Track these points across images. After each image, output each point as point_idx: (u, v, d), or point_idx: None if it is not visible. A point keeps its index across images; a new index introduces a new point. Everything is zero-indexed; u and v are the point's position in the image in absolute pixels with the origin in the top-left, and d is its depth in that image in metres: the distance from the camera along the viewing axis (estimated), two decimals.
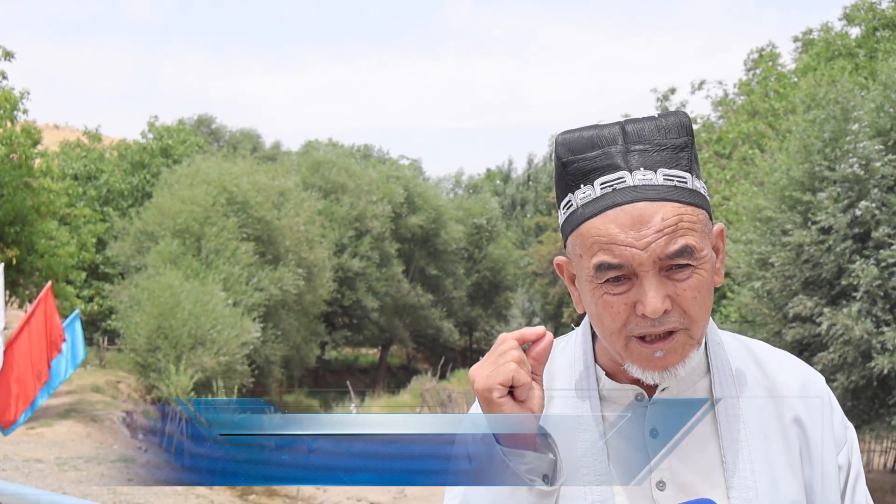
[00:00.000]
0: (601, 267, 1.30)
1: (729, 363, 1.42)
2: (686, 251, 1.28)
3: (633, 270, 1.29)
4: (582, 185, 1.33)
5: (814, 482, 1.35)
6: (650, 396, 1.38)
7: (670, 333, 1.31)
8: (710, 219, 1.37)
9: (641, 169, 1.30)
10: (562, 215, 1.38)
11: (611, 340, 1.34)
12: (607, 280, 1.30)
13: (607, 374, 1.41)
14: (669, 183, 1.30)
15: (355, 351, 46.53)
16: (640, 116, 1.36)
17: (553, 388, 1.42)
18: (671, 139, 1.32)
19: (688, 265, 1.29)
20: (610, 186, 1.30)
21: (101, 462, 14.23)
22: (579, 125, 1.37)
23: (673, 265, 1.29)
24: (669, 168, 1.31)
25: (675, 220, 1.28)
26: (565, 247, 1.39)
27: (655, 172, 1.30)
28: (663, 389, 1.37)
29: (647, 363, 1.32)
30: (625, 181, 1.30)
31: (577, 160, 1.33)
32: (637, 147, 1.32)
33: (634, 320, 1.30)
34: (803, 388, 1.41)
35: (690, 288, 1.30)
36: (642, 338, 1.31)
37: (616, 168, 1.31)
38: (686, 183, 1.31)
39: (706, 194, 1.36)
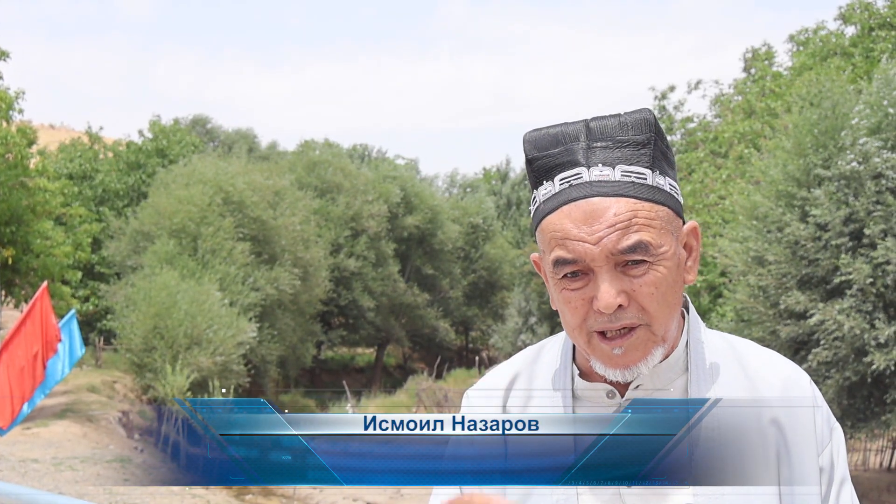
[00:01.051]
0: (557, 262, 1.31)
1: (707, 363, 1.40)
2: (640, 247, 1.28)
3: (588, 266, 1.29)
4: (544, 182, 1.34)
5: (792, 481, 1.32)
6: (622, 395, 1.38)
7: (630, 330, 1.31)
8: (680, 216, 1.37)
9: (599, 165, 1.31)
10: (531, 212, 1.39)
11: (574, 336, 1.35)
12: (565, 276, 1.32)
13: (581, 373, 1.42)
14: (626, 179, 1.30)
15: (351, 350, 46.51)
16: (606, 114, 1.36)
17: (532, 388, 1.44)
18: (632, 136, 1.32)
19: (643, 261, 1.29)
20: (567, 182, 1.32)
21: (98, 462, 14.22)
22: (546, 124, 1.39)
23: (628, 261, 1.29)
24: (629, 164, 1.31)
25: (629, 216, 1.29)
26: (536, 243, 1.41)
27: (613, 168, 1.31)
28: (636, 387, 1.37)
29: (609, 360, 1.32)
30: (581, 177, 1.31)
31: (541, 157, 1.35)
32: (598, 144, 1.32)
33: (593, 316, 1.31)
34: (784, 387, 1.39)
35: (647, 284, 1.30)
36: (603, 334, 1.32)
37: (575, 164, 1.32)
38: (645, 179, 1.31)
39: (673, 192, 1.35)
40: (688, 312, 1.45)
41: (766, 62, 26.56)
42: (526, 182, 53.78)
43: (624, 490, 1.33)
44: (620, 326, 1.30)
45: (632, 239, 1.28)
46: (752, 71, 27.04)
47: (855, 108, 13.20)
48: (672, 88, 28.52)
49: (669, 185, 1.35)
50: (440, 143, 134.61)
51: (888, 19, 22.30)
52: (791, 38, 26.47)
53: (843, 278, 12.31)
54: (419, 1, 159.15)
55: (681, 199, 1.39)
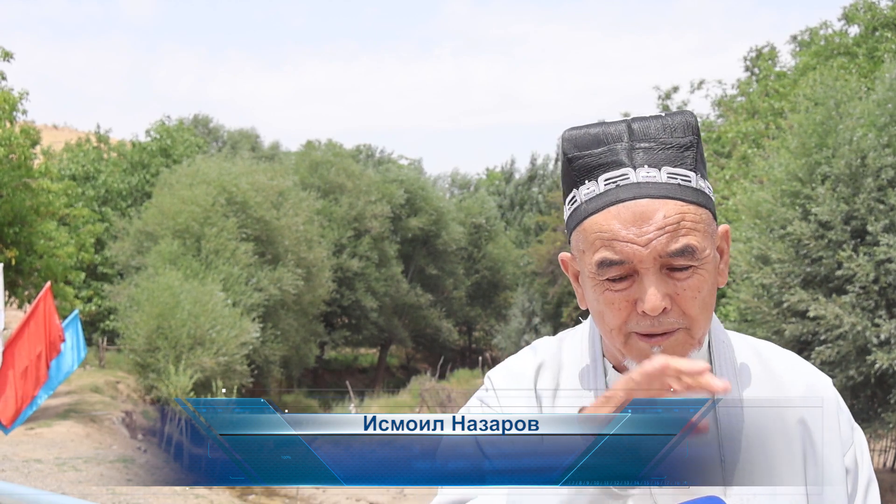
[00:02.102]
0: (603, 263, 1.29)
1: (733, 363, 1.41)
2: (688, 251, 1.28)
3: (634, 267, 1.28)
4: (586, 182, 1.33)
5: (817, 481, 1.34)
6: None
7: (670, 332, 1.30)
8: (715, 219, 1.36)
9: (646, 166, 1.30)
10: (567, 211, 1.37)
11: (611, 337, 1.34)
12: (609, 277, 1.30)
13: (614, 368, 1.41)
14: (673, 181, 1.30)
15: (354, 351, 46.51)
16: (647, 115, 1.36)
17: (559, 379, 1.43)
18: (676, 138, 1.32)
19: (689, 265, 1.29)
20: (613, 183, 1.30)
21: (101, 462, 14.23)
22: (586, 122, 1.37)
23: (674, 264, 1.28)
24: (674, 166, 1.31)
25: (678, 219, 1.28)
26: (569, 243, 1.39)
27: (660, 170, 1.30)
28: None
29: (646, 359, 1.31)
30: (628, 178, 1.30)
31: (582, 156, 1.33)
32: (642, 145, 1.31)
33: (635, 318, 1.30)
34: (809, 389, 1.40)
35: (691, 288, 1.29)
36: (643, 333, 1.31)
37: (620, 165, 1.31)
38: (690, 182, 1.31)
39: (711, 195, 1.35)
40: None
41: (770, 62, 26.54)
42: (534, 181, 53.74)
43: (655, 490, 1.33)
44: (663, 331, 1.30)
45: (680, 242, 1.27)
46: (756, 71, 27.03)
47: (859, 107, 13.20)
48: (675, 89, 28.54)
49: (707, 187, 1.35)
50: (443, 142, 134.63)
51: (892, 19, 22.27)
52: (794, 38, 26.46)
53: (843, 273, 12.32)
54: (421, 1, 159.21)
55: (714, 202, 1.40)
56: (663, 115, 1.35)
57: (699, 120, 27.24)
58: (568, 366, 1.45)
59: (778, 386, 1.40)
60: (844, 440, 1.38)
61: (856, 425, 1.41)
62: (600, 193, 1.31)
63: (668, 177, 1.30)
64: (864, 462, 1.39)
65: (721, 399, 1.31)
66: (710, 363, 1.40)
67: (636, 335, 1.31)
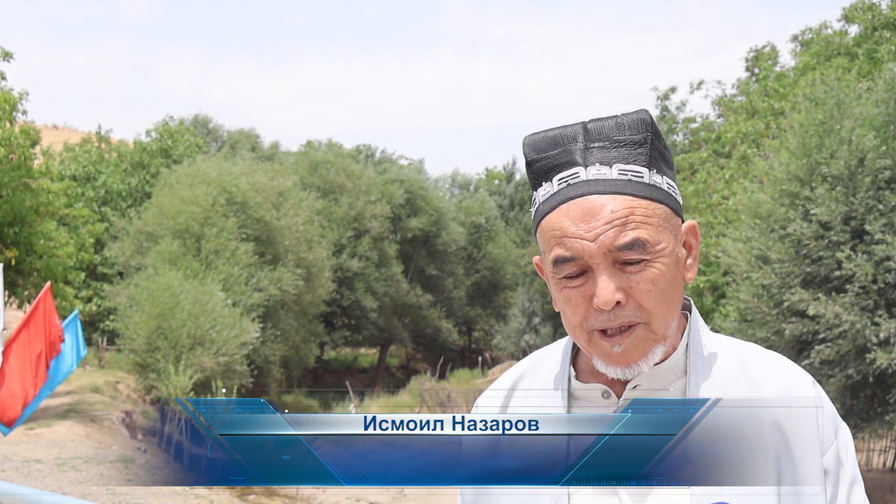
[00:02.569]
0: (557, 261, 1.32)
1: (707, 365, 1.40)
2: (637, 244, 1.29)
3: (587, 263, 1.30)
4: (543, 183, 1.36)
5: (794, 481, 1.31)
6: (619, 396, 1.38)
7: (630, 327, 1.32)
8: (679, 215, 1.38)
9: (597, 164, 1.33)
10: (531, 213, 1.41)
11: (575, 335, 1.36)
12: (565, 274, 1.33)
13: (578, 374, 1.43)
14: (623, 177, 1.32)
15: (354, 351, 46.50)
16: (604, 116, 1.38)
17: (532, 388, 1.46)
18: (629, 135, 1.34)
19: (640, 259, 1.30)
20: (565, 182, 1.33)
21: (101, 462, 14.22)
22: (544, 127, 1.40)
23: (626, 259, 1.30)
24: (626, 163, 1.33)
25: (626, 213, 1.30)
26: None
27: (611, 167, 1.32)
28: (634, 387, 1.37)
29: (609, 358, 1.33)
30: (578, 176, 1.33)
31: (540, 159, 1.36)
32: (596, 144, 1.34)
33: (593, 314, 1.32)
34: (785, 388, 1.38)
35: (644, 281, 1.31)
36: (604, 332, 1.33)
37: (573, 164, 1.33)
38: (642, 177, 1.32)
39: (671, 191, 1.36)
40: (690, 314, 1.45)
41: (770, 62, 26.54)
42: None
43: (620, 490, 1.33)
44: (619, 324, 1.31)
45: (629, 236, 1.29)
46: (756, 71, 27.03)
47: (858, 107, 13.21)
48: (673, 89, 28.53)
49: (667, 183, 1.36)
50: (443, 142, 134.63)
51: (892, 20, 22.27)
52: (794, 38, 26.46)
53: (843, 272, 12.33)
54: (422, 1, 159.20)
55: (679, 198, 1.40)
56: (619, 114, 1.37)
57: (700, 120, 27.22)
58: (545, 375, 1.47)
59: (752, 386, 1.39)
60: (824, 440, 1.36)
61: (841, 424, 1.39)
62: (553, 193, 1.34)
63: (619, 173, 1.32)
64: (848, 461, 1.37)
65: (721, 399, 1.30)
66: (686, 365, 1.40)
67: (597, 333, 1.33)
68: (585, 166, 1.32)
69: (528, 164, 1.38)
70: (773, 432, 1.30)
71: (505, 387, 1.51)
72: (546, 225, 1.34)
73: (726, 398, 1.29)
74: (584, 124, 1.36)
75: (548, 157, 1.36)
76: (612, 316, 1.31)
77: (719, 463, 1.23)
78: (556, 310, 1.42)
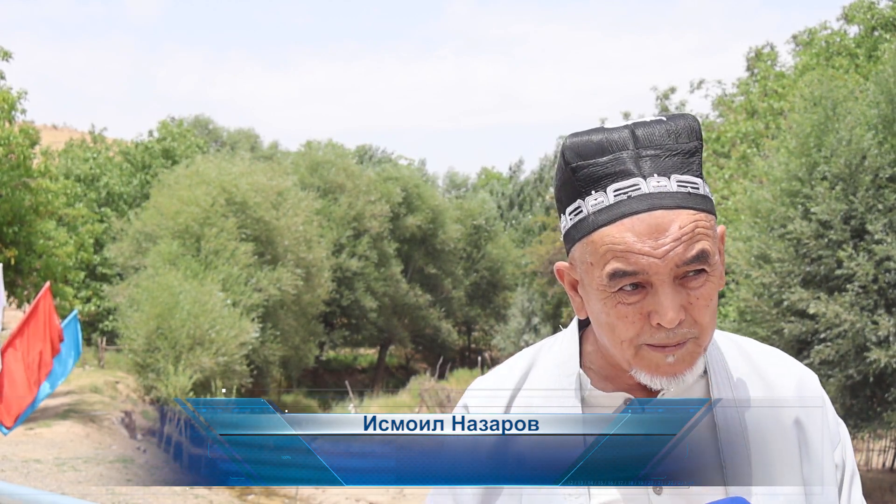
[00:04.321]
0: (615, 275, 1.27)
1: (725, 365, 1.41)
2: (702, 256, 1.27)
3: (649, 279, 1.27)
4: (593, 192, 1.30)
5: (813, 481, 1.34)
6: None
7: (681, 343, 1.30)
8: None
9: (655, 175, 1.28)
10: (568, 221, 1.34)
11: (620, 348, 1.32)
12: (621, 289, 1.28)
13: (592, 382, 1.39)
14: (683, 190, 1.28)
15: (354, 351, 46.52)
16: (648, 119, 1.33)
17: (535, 389, 1.42)
18: (682, 144, 1.30)
19: (702, 271, 1.28)
20: (624, 194, 1.28)
21: (100, 462, 14.22)
22: (585, 128, 1.35)
23: (688, 272, 1.27)
24: (682, 174, 1.29)
25: (692, 228, 1.27)
26: (568, 252, 1.37)
27: (669, 179, 1.28)
28: (661, 395, 1.37)
29: (657, 369, 1.30)
30: (640, 188, 1.28)
31: (586, 165, 1.30)
32: (648, 152, 1.29)
33: (648, 330, 1.29)
34: (799, 387, 1.41)
35: (703, 297, 1.28)
36: (656, 345, 1.30)
37: (629, 174, 1.28)
38: (699, 189, 1.30)
39: (713, 198, 1.35)
40: None
41: (769, 62, 26.55)
42: (540, 182, 53.68)
43: (654, 497, 1.33)
44: (678, 342, 1.29)
45: (695, 249, 1.26)
46: (755, 71, 27.03)
47: (856, 107, 13.22)
48: (673, 89, 28.54)
49: (709, 191, 1.34)
50: (443, 142, 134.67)
51: (892, 20, 22.29)
52: (794, 37, 26.46)
53: (843, 272, 12.34)
54: (423, 1, 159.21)
55: None
56: (664, 118, 1.33)
57: (699, 120, 27.46)
58: (546, 376, 1.43)
59: (768, 386, 1.40)
60: (833, 436, 1.39)
61: (840, 420, 1.43)
62: (611, 205, 1.28)
63: (679, 185, 1.28)
64: (849, 456, 1.41)
65: (720, 400, 1.31)
66: (706, 367, 1.39)
67: (647, 346, 1.30)
68: (644, 177, 1.28)
69: (572, 170, 1.32)
70: (794, 431, 1.34)
71: (507, 386, 1.46)
72: (601, 238, 1.29)
73: (745, 399, 1.34)
74: (630, 129, 1.31)
75: (597, 164, 1.30)
76: (671, 334, 1.28)
77: (748, 464, 1.27)
78: (582, 318, 1.39)
